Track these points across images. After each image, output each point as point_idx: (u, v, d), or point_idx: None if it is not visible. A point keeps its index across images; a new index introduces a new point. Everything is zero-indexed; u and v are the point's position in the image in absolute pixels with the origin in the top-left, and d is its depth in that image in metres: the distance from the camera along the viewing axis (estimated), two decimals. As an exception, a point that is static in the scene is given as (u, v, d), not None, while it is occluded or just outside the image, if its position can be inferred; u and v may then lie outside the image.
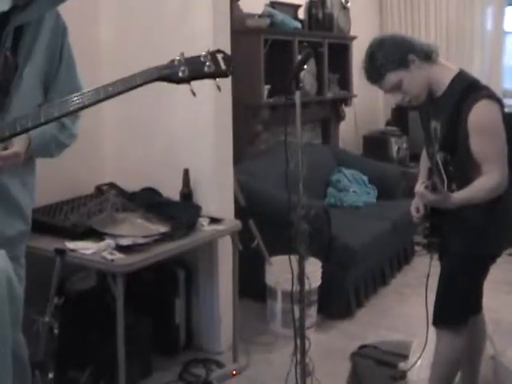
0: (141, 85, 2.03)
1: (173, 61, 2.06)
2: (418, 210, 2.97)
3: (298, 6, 5.80)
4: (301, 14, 5.88)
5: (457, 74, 2.82)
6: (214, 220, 3.68)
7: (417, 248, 5.81)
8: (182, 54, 2.07)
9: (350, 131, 7.06)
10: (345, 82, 6.43)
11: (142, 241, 3.21)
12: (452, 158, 2.74)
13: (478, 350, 3.28)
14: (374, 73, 2.79)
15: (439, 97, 2.83)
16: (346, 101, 6.53)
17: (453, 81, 2.80)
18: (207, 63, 2.08)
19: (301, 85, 3.02)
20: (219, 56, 2.11)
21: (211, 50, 2.11)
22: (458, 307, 3.00)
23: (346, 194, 5.77)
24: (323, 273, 4.42)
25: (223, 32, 3.83)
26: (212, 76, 2.10)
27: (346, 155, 6.40)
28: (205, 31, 3.74)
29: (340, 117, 6.57)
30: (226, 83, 3.75)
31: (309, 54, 3.29)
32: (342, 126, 6.76)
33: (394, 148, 6.92)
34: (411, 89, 2.81)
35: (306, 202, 3.23)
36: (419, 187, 2.69)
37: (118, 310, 3.05)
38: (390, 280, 5.34)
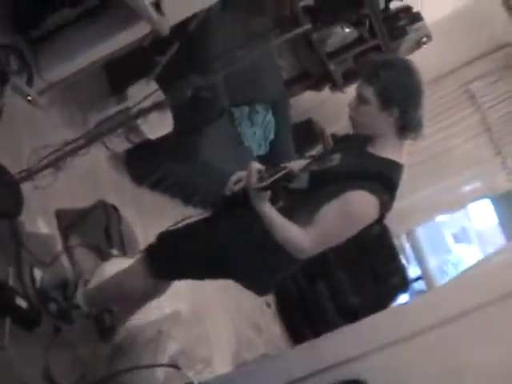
0: None
1: None
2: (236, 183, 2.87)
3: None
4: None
5: (396, 162, 2.66)
6: (157, 6, 3.35)
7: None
8: None
9: (306, 103, 6.91)
10: (352, 77, 6.23)
11: None
12: (307, 189, 2.61)
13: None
14: (371, 74, 2.60)
15: (366, 152, 2.70)
16: (335, 85, 6.36)
17: (386, 161, 2.65)
18: None
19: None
20: None
21: None
22: (175, 270, 2.98)
23: (247, 126, 5.57)
24: (162, 138, 4.22)
25: None
26: None
27: (284, 111, 6.08)
28: None
29: (316, 88, 6.42)
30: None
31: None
32: (307, 94, 6.60)
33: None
34: (362, 116, 2.65)
35: (218, 85, 3.13)
36: (256, 164, 2.55)
37: None
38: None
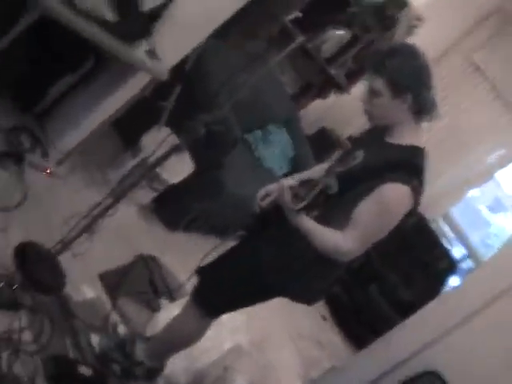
0: None
1: None
2: (264, 198, 2.85)
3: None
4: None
5: (417, 146, 2.65)
6: (152, 53, 3.40)
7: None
8: None
9: (316, 112, 6.88)
10: (354, 76, 6.24)
11: None
12: (338, 193, 2.56)
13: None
14: (379, 64, 2.57)
15: (387, 142, 2.69)
16: (340, 88, 6.35)
17: (408, 147, 2.64)
18: None
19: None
20: None
21: None
22: (224, 303, 2.96)
23: (266, 148, 5.58)
24: (186, 178, 4.26)
25: None
26: None
27: (297, 124, 6.11)
28: None
29: (323, 94, 6.41)
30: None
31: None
32: (315, 103, 6.58)
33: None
34: (377, 108, 2.63)
35: (228, 117, 3.15)
36: (287, 181, 2.55)
37: None
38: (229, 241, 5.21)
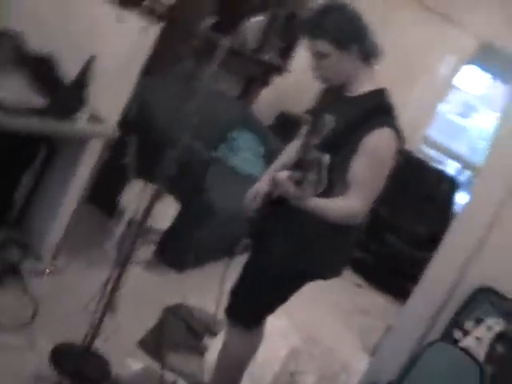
0: None
1: None
2: (254, 200, 2.86)
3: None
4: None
5: (379, 88, 2.70)
6: (94, 118, 3.41)
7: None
8: None
9: (267, 101, 6.83)
10: (286, 53, 6.24)
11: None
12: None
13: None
14: (315, 28, 2.59)
15: (349, 97, 2.70)
16: (278, 70, 6.33)
17: (372, 92, 2.68)
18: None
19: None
20: None
21: None
22: (258, 308, 2.94)
23: (236, 156, 5.61)
24: (176, 218, 4.26)
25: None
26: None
27: (255, 120, 6.19)
28: None
29: (266, 82, 6.39)
30: None
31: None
32: (263, 92, 6.55)
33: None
34: (330, 69, 2.65)
35: (191, 144, 3.14)
36: (282, 174, 2.48)
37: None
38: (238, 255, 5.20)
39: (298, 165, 2.51)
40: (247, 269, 2.97)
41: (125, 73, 3.61)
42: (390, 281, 6.50)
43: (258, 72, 6.22)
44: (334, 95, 2.78)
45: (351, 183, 2.55)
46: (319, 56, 2.62)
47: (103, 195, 4.09)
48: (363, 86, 2.69)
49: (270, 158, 5.73)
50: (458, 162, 8.11)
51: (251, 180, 5.33)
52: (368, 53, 2.66)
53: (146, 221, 3.36)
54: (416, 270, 6.47)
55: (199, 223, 4.47)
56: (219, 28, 4.94)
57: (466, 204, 3.87)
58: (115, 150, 3.69)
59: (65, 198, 3.65)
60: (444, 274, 3.67)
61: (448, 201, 6.94)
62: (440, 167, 7.75)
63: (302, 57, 6.37)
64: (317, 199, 2.49)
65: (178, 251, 4.50)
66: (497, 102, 8.27)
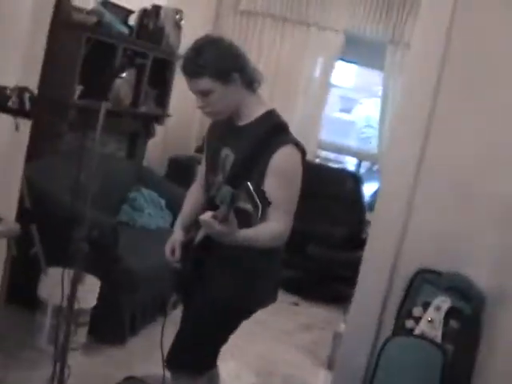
0: None
1: None
2: (173, 252, 2.84)
3: (130, 12, 5.52)
4: (132, 21, 5.62)
5: (268, 110, 2.74)
6: None
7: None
8: None
9: (156, 150, 6.79)
10: (162, 99, 6.22)
11: None
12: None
13: None
14: (193, 68, 2.58)
15: (242, 126, 2.72)
16: (159, 119, 6.30)
17: (262, 116, 2.71)
18: (13, 99, 1.86)
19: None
20: (26, 95, 1.90)
21: (19, 86, 1.89)
22: (200, 353, 2.85)
23: (141, 214, 5.55)
24: (100, 294, 4.16)
25: (42, 21, 3.53)
26: (15, 114, 1.90)
27: (148, 174, 6.14)
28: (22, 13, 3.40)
29: (150, 134, 6.33)
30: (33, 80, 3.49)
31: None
32: (150, 143, 6.50)
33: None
34: (217, 103, 2.65)
35: (95, 216, 3.08)
36: (204, 216, 2.37)
37: None
38: (171, 311, 5.12)
39: (211, 204, 2.49)
40: (184, 319, 2.94)
41: (9, 169, 3.54)
42: (323, 290, 6.53)
43: (140, 126, 6.17)
44: (225, 128, 2.78)
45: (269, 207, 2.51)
46: (204, 93, 2.62)
47: (22, 292, 3.94)
48: (253, 111, 2.71)
49: (173, 206, 5.73)
50: (353, 155, 8.25)
51: (163, 233, 5.34)
52: (250, 79, 2.69)
53: (73, 305, 3.27)
54: (345, 271, 6.61)
55: (124, 292, 4.38)
56: (89, 95, 4.88)
57: (380, 195, 3.86)
58: (21, 242, 3.58)
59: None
60: (378, 268, 3.68)
61: (356, 196, 7.02)
62: (340, 166, 7.88)
63: (179, 99, 6.43)
64: (243, 230, 2.43)
65: (111, 326, 4.38)
66: (372, 88, 8.48)
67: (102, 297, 4.16)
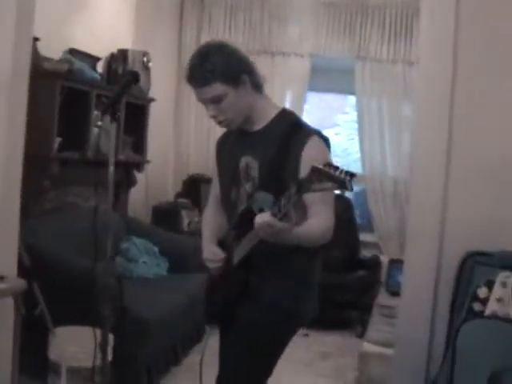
0: None
1: None
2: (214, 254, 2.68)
3: (97, 59, 5.37)
4: (99, 67, 5.47)
5: (282, 109, 2.65)
6: None
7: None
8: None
9: (139, 199, 6.58)
10: (138, 146, 6.02)
11: None
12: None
13: None
14: (202, 75, 2.47)
15: (258, 130, 2.60)
16: (138, 166, 6.11)
17: (278, 115, 2.60)
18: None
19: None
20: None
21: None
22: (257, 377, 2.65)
23: (136, 264, 5.37)
24: (115, 348, 3.92)
25: (23, 68, 3.43)
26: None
27: (137, 223, 6.00)
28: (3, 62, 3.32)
29: (131, 182, 6.13)
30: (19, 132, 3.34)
31: (130, 80, 2.84)
32: (132, 192, 6.30)
33: (185, 221, 6.57)
34: (230, 109, 2.52)
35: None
36: (261, 217, 2.21)
37: None
38: (183, 359, 4.89)
39: (245, 216, 2.38)
40: (227, 348, 2.75)
41: (5, 226, 3.43)
42: (330, 317, 6.34)
43: (120, 175, 5.94)
44: (237, 138, 2.68)
45: (309, 200, 2.36)
46: (216, 101, 2.51)
47: (30, 357, 3.71)
48: (267, 114, 2.61)
49: (167, 252, 5.62)
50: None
51: (161, 280, 5.18)
52: (258, 81, 2.60)
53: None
54: (346, 294, 6.47)
55: (137, 343, 4.15)
56: (67, 146, 4.71)
57: (412, 190, 3.96)
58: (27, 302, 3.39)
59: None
60: (423, 260, 3.73)
61: (348, 218, 6.91)
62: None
63: (155, 145, 6.29)
64: (298, 227, 2.32)
65: (129, 380, 4.14)
66: (332, 118, 8.39)
67: (116, 350, 3.92)
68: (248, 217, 2.34)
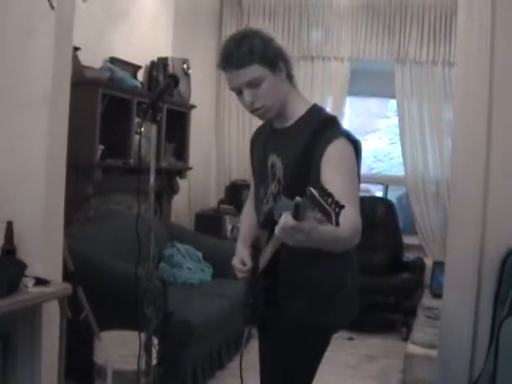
0: None
1: None
2: (243, 263, 2.57)
3: (138, 67, 5.45)
4: (140, 76, 5.55)
5: (313, 105, 2.51)
6: (40, 281, 3.15)
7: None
8: None
9: (182, 205, 6.65)
10: (181, 153, 6.09)
11: None
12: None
13: None
14: (240, 56, 2.35)
15: (285, 128, 2.49)
16: (181, 173, 6.17)
17: (308, 112, 2.48)
18: None
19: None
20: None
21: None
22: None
23: (180, 270, 5.37)
24: (159, 351, 3.95)
25: (64, 78, 3.48)
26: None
27: (180, 230, 6.04)
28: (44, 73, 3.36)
29: (174, 189, 6.18)
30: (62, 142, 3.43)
31: (170, 83, 2.86)
32: (175, 199, 6.36)
33: (228, 227, 6.61)
34: (269, 95, 2.40)
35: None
36: (284, 218, 1.93)
37: None
38: (228, 363, 4.91)
39: (268, 219, 2.32)
40: (267, 351, 2.67)
41: (50, 232, 3.46)
42: (374, 320, 6.34)
43: (163, 182, 6.01)
44: (267, 134, 2.58)
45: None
46: (253, 85, 2.38)
47: (77, 362, 3.76)
48: (296, 110, 2.49)
49: (210, 258, 5.62)
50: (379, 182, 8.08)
51: (206, 286, 5.20)
52: (292, 73, 2.51)
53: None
54: (389, 297, 6.44)
55: (183, 346, 4.17)
56: (110, 154, 4.78)
57: (452, 189, 4.02)
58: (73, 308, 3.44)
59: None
60: (465, 258, 3.73)
61: (390, 221, 6.88)
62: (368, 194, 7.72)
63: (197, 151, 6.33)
64: (320, 227, 1.96)
65: (174, 382, 4.17)
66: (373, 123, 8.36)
67: (160, 353, 3.94)
68: (271, 219, 2.22)
